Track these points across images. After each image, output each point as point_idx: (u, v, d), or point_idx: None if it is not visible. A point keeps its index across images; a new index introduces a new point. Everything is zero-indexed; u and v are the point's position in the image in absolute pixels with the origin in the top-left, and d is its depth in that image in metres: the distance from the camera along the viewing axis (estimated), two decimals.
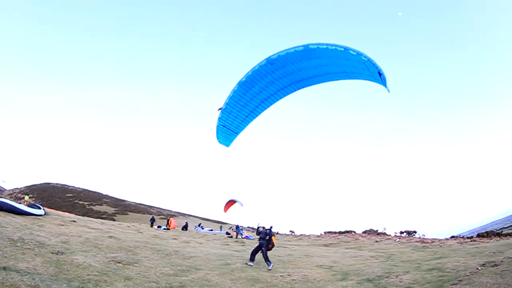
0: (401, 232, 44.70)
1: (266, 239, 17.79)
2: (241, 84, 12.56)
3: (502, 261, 14.90)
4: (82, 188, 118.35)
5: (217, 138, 13.99)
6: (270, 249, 17.88)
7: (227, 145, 14.25)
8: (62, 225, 24.78)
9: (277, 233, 46.79)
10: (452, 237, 39.28)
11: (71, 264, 12.17)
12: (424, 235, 41.68)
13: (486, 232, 40.71)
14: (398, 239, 37.51)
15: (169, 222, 46.34)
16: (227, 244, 30.11)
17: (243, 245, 30.80)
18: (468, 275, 13.20)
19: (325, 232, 47.12)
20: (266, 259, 17.08)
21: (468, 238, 37.11)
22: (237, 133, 13.94)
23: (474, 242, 30.28)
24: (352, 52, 10.05)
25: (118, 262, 14.04)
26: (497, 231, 44.42)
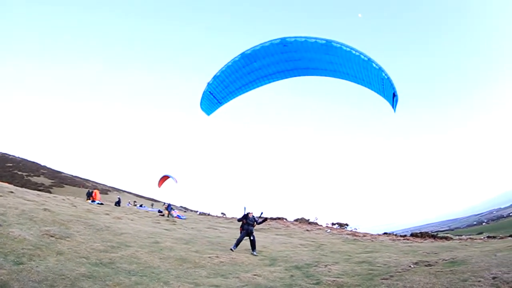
0: (333, 224, 46.73)
1: (253, 226, 19.19)
2: (244, 56, 12.87)
3: (436, 262, 16.04)
4: (21, 158, 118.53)
5: (201, 104, 14.23)
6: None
7: (208, 114, 14.41)
8: (1, 196, 24.90)
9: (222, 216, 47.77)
10: (385, 233, 41.44)
11: (7, 237, 12.67)
12: (356, 229, 43.77)
13: (420, 232, 43.63)
14: (329, 230, 39.40)
15: (93, 195, 46.17)
16: (158, 222, 30.82)
17: (174, 224, 31.68)
18: (399, 272, 14.23)
19: None
20: (254, 246, 18.58)
21: (401, 236, 39.67)
22: (221, 104, 14.26)
23: (407, 241, 32.42)
24: (375, 66, 11.27)
25: (51, 236, 14.54)
26: (432, 233, 47.89)
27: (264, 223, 19.51)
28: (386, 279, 13.15)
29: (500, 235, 37.58)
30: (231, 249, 18.54)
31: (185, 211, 65.86)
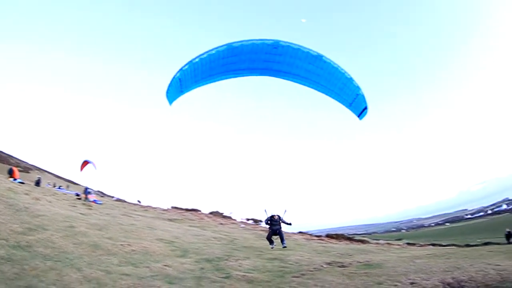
0: (247, 219, 47.98)
1: (280, 225, 20.18)
2: (230, 48, 13.13)
3: (350, 264, 16.85)
4: None
5: (167, 92, 13.50)
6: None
7: (171, 103, 14.37)
8: None
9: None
10: (300, 232, 42.89)
11: None
12: None
13: (336, 234, 45.70)
14: (243, 225, 40.48)
15: (13, 173, 44.41)
16: (75, 206, 30.29)
17: (90, 208, 31.31)
18: (311, 271, 14.90)
19: (172, 207, 48.36)
20: (283, 239, 19.99)
21: (316, 236, 41.48)
22: (184, 92, 14.11)
23: (322, 241, 34.02)
24: (354, 84, 13.56)
25: None
26: (349, 235, 50.30)
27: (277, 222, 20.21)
28: (297, 277, 13.73)
29: (420, 243, 40.46)
30: (271, 247, 20.48)
31: (102, 196, 64.73)
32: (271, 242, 20.62)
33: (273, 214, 20.79)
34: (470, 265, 13.98)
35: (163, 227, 26.33)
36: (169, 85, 13.40)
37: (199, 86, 14.55)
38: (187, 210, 46.31)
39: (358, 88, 13.61)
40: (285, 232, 38.55)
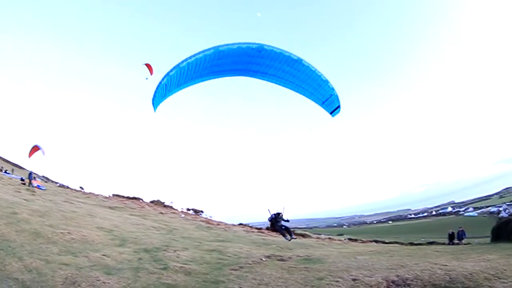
0: (188, 209, 48.10)
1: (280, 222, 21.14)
2: (217, 52, 13.43)
3: (290, 258, 17.17)
4: None
5: (154, 98, 13.40)
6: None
7: (156, 108, 14.09)
8: None
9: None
10: (240, 224, 43.63)
11: None
12: (211, 216, 45.60)
13: None
14: (183, 215, 40.56)
15: None
16: (19, 191, 30.08)
17: (33, 194, 30.92)
18: (250, 264, 15.08)
19: (113, 195, 47.96)
20: (290, 233, 20.60)
21: (256, 228, 41.98)
22: (167, 96, 14.35)
23: (262, 234, 34.24)
24: (329, 85, 14.99)
25: None
26: (289, 229, 51.05)
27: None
28: (236, 270, 13.89)
29: (362, 239, 41.39)
30: (288, 240, 20.98)
31: (46, 181, 63.11)
32: (283, 235, 21.41)
33: (278, 212, 21.57)
34: (415, 263, 14.29)
35: (104, 215, 26.23)
36: (156, 92, 13.52)
37: (182, 88, 14.88)
38: (128, 198, 46.06)
39: (332, 89, 15.08)
40: (224, 223, 39.05)
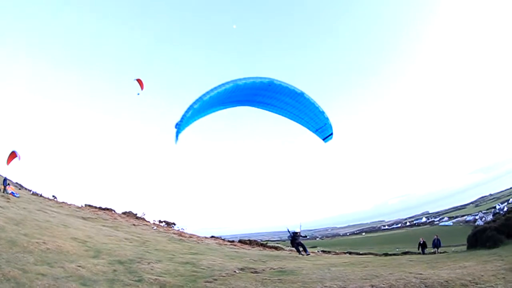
0: (160, 221, 48.02)
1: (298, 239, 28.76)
2: (236, 86, 15.75)
3: (264, 270, 17.27)
4: None
5: (178, 132, 15.00)
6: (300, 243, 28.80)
7: (177, 140, 15.23)
8: None
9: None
10: (213, 236, 43.82)
11: None
12: (183, 229, 45.64)
13: (249, 240, 46.61)
14: (155, 227, 40.58)
15: None
16: None
17: (8, 201, 30.79)
18: (224, 276, 15.24)
19: (86, 205, 47.65)
20: (305, 249, 28.62)
21: (229, 241, 42.16)
22: (186, 126, 15.59)
23: (235, 247, 34.45)
24: (325, 116, 17.92)
25: None
26: (262, 242, 51.30)
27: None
28: (210, 282, 14.04)
29: (336, 251, 41.89)
30: (308, 254, 28.53)
31: (19, 189, 62.00)
32: (298, 251, 28.58)
33: (295, 231, 28.76)
34: (389, 273, 14.54)
35: (77, 225, 26.12)
36: (181, 125, 14.83)
37: (200, 118, 16.67)
38: (101, 209, 45.77)
39: (327, 118, 17.98)
40: (197, 236, 39.22)
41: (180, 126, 14.80)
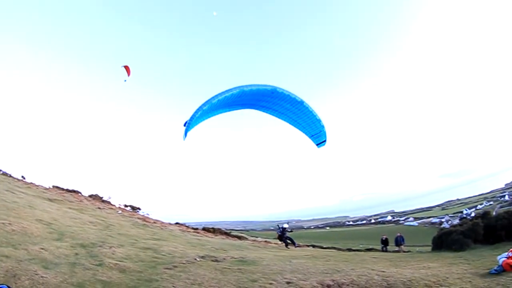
0: (126, 205, 47.85)
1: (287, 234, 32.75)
2: (241, 92, 17.21)
3: (224, 259, 17.57)
4: None
5: (187, 130, 16.47)
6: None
7: (186, 137, 16.64)
8: None
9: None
10: (177, 223, 44.17)
11: None
12: (148, 214, 45.58)
13: (213, 228, 47.06)
14: (120, 211, 40.55)
15: None
16: None
17: None
18: (184, 263, 15.48)
19: (53, 186, 47.07)
20: (294, 243, 32.57)
21: (192, 228, 42.53)
22: (194, 126, 17.06)
23: (198, 234, 34.82)
24: (321, 123, 19.27)
25: None
26: (226, 230, 51.69)
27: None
28: (170, 269, 14.28)
29: (299, 243, 42.83)
30: (296, 246, 33.35)
31: None
32: (287, 245, 32.13)
33: (284, 227, 32.97)
34: (351, 269, 14.88)
35: (43, 207, 25.99)
36: (190, 124, 16.30)
37: (207, 118, 18.21)
38: (67, 191, 45.18)
39: (322, 126, 19.46)
40: (161, 222, 39.77)
41: (189, 125, 16.22)
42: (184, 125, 16.38)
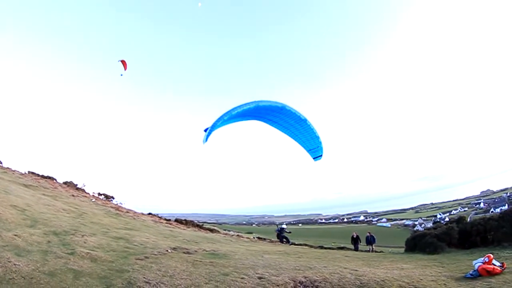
0: (99, 194, 47.67)
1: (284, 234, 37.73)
2: (257, 107, 19.06)
3: (196, 251, 17.67)
4: None
5: (207, 136, 18.11)
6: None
7: (206, 141, 18.24)
8: None
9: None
10: (150, 213, 44.23)
11: None
12: (121, 204, 45.59)
13: (185, 220, 47.18)
14: (94, 199, 40.37)
15: None
16: None
17: None
18: (155, 254, 15.50)
19: (29, 172, 46.61)
20: (289, 241, 37.02)
21: (165, 219, 42.60)
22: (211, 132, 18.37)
23: (170, 225, 34.76)
24: (319, 139, 20.87)
25: None
26: (198, 223, 51.80)
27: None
28: (141, 259, 14.27)
29: (271, 239, 43.52)
30: (290, 244, 36.73)
31: None
32: (282, 242, 36.58)
33: (282, 227, 38.59)
34: (323, 266, 15.14)
35: (18, 192, 25.73)
36: (211, 130, 18.02)
37: (223, 126, 19.45)
38: (43, 177, 44.69)
39: (320, 142, 21.09)
40: (134, 212, 39.91)
41: (211, 131, 17.98)
42: (205, 130, 18.16)
